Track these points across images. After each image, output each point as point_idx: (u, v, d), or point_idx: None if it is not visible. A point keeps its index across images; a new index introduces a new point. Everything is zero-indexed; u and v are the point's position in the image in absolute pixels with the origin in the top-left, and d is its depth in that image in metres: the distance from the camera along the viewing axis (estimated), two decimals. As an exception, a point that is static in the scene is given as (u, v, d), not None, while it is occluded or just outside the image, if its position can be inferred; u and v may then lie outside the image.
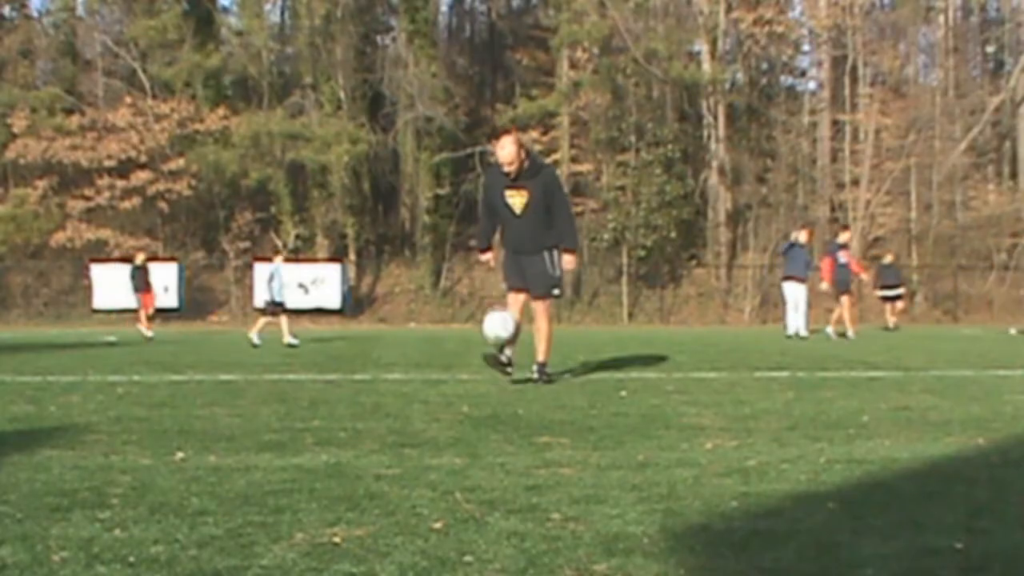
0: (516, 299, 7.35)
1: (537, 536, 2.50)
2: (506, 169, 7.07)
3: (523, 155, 7.07)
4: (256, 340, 13.88)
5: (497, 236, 7.55)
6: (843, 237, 18.03)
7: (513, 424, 4.72)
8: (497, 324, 7.05)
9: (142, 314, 18.57)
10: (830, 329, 16.17)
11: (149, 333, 17.74)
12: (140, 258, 20.07)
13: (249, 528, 2.59)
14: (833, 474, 3.40)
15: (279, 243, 31.63)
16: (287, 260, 30.57)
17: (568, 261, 7.28)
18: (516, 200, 7.12)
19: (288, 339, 14.01)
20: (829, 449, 3.95)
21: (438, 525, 2.62)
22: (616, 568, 2.23)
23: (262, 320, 14.83)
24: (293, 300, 29.39)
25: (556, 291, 7.35)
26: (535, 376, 7.08)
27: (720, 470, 3.46)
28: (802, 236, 16.75)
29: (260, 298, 15.00)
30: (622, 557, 2.32)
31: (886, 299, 22.14)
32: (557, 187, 7.43)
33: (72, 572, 2.21)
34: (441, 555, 2.33)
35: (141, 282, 19.01)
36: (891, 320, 21.58)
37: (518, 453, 3.85)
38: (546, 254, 7.20)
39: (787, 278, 16.24)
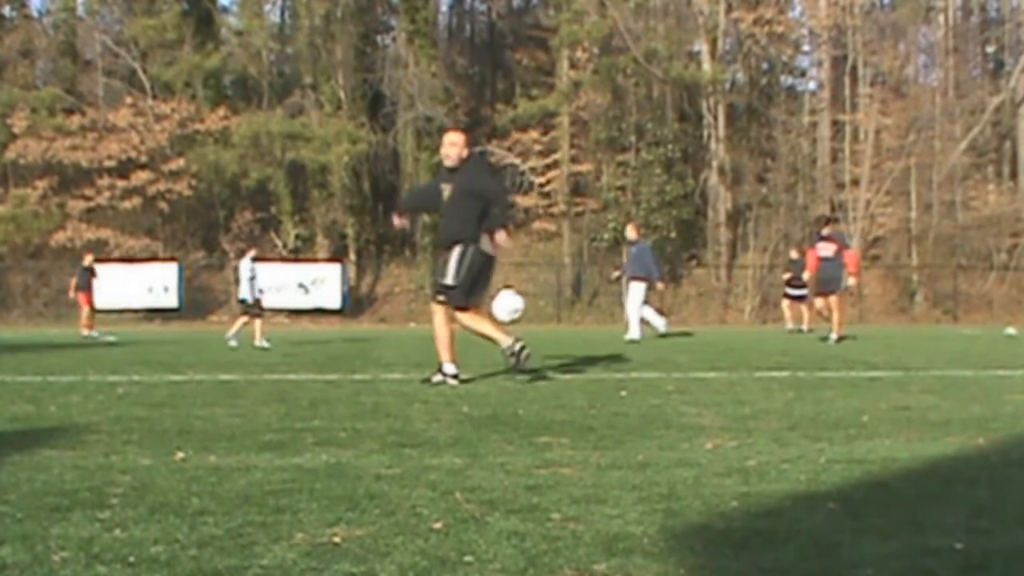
0: (441, 307, 7.36)
1: (537, 536, 2.50)
2: (445, 164, 7.36)
3: (463, 153, 7.24)
4: (233, 342, 13.38)
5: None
6: (827, 231, 16.26)
7: (513, 424, 4.72)
8: (506, 305, 7.38)
9: (84, 313, 18.99)
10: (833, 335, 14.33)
11: (94, 333, 17.97)
12: (88, 259, 20.32)
13: (249, 528, 2.59)
14: (833, 474, 3.40)
15: (279, 242, 31.68)
16: (285, 260, 30.84)
17: (501, 236, 7.11)
18: (446, 192, 7.26)
19: (260, 342, 13.30)
20: (829, 449, 3.95)
21: (438, 525, 2.62)
22: (616, 568, 2.23)
23: (241, 320, 14.17)
24: (293, 300, 29.65)
25: (441, 296, 7.20)
26: (432, 378, 7.03)
27: (720, 470, 3.45)
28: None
29: (243, 297, 14.20)
30: (622, 557, 2.32)
31: (792, 298, 19.76)
32: (478, 172, 7.55)
33: (72, 572, 2.21)
34: (441, 555, 2.33)
35: (83, 282, 19.40)
36: (804, 321, 19.31)
37: (518, 453, 3.85)
38: (457, 250, 7.08)
39: (635, 278, 15.22)
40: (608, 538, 2.49)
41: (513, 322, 7.67)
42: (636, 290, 15.16)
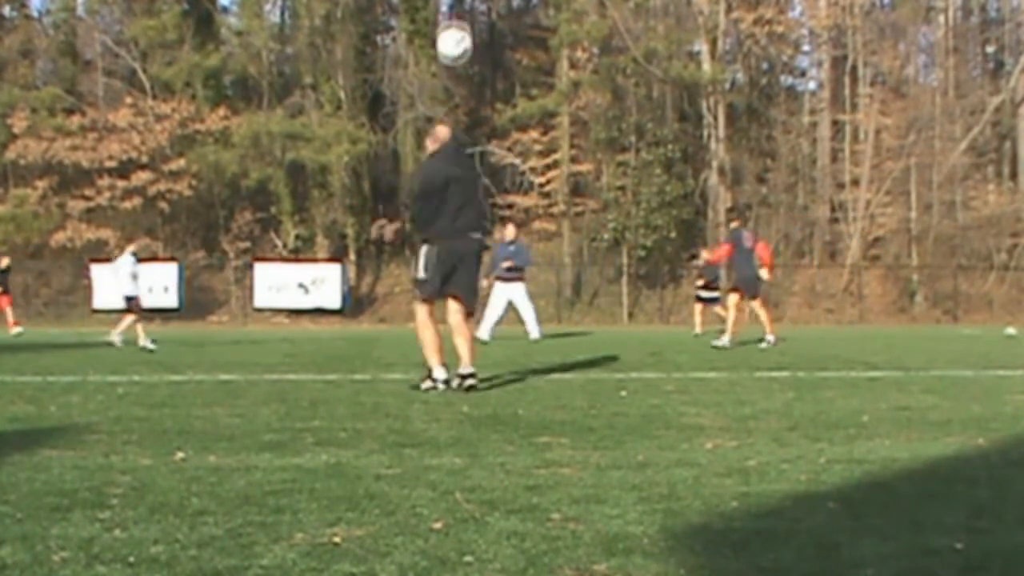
0: (426, 307, 6.89)
1: (537, 536, 2.50)
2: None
3: (432, 146, 6.92)
4: (118, 342, 12.93)
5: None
6: (735, 224, 15.21)
7: (513, 424, 4.72)
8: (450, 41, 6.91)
9: (9, 313, 19.33)
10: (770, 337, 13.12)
11: (18, 329, 18.73)
12: (5, 262, 20.56)
13: (249, 528, 2.59)
14: (833, 474, 3.40)
15: (279, 242, 31.66)
16: (285, 260, 30.83)
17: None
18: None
19: (144, 342, 12.74)
20: (829, 449, 3.95)
21: (438, 525, 2.62)
22: (616, 568, 2.23)
23: (127, 320, 13.62)
24: (293, 300, 29.64)
25: (418, 290, 6.87)
26: (419, 384, 6.57)
27: (720, 470, 3.46)
28: (508, 232, 14.96)
29: (130, 294, 13.75)
30: (622, 557, 2.32)
31: (704, 301, 18.82)
32: (417, 175, 7.41)
33: (72, 572, 2.21)
34: (441, 555, 2.33)
35: (2, 284, 19.75)
36: (699, 323, 18.58)
37: (518, 453, 3.85)
38: (421, 249, 6.80)
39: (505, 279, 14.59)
40: (608, 538, 2.49)
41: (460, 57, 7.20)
42: (519, 290, 14.75)
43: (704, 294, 18.85)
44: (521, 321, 15.03)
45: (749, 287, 13.34)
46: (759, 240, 13.96)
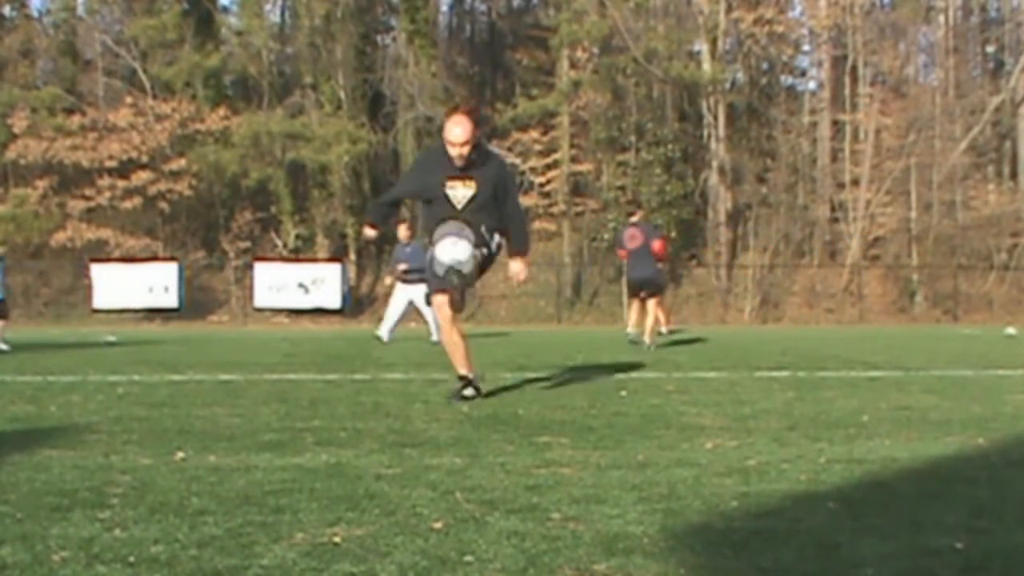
0: (445, 302, 6.02)
1: (537, 536, 2.50)
2: (454, 152, 5.83)
3: (475, 138, 5.89)
4: (4, 347, 12.49)
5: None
6: (636, 218, 14.05)
7: (513, 424, 4.72)
8: (449, 250, 5.76)
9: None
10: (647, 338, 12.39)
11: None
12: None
13: (249, 528, 2.59)
14: (833, 474, 3.40)
15: (279, 241, 31.65)
16: (285, 260, 30.82)
17: (519, 267, 6.15)
18: (460, 192, 5.89)
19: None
20: (829, 449, 3.95)
21: (438, 525, 2.62)
22: (616, 568, 2.23)
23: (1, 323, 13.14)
24: (293, 300, 29.63)
25: (456, 279, 5.82)
26: (453, 397, 5.89)
27: (720, 470, 3.46)
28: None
29: None
30: (622, 557, 2.32)
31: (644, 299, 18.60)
32: (511, 182, 6.27)
33: (72, 572, 2.21)
34: (441, 555, 2.33)
35: None
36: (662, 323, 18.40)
37: (518, 453, 3.85)
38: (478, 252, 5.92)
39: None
40: (608, 538, 2.49)
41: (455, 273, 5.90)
42: (420, 292, 14.55)
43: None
44: (425, 322, 14.69)
45: (645, 285, 12.62)
46: (652, 237, 12.73)
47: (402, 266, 14.29)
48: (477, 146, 5.93)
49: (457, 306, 6.05)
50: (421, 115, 31.44)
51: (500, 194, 5.98)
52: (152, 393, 6.41)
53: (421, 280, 14.25)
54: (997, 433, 4.45)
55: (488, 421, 4.84)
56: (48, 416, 5.16)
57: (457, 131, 5.80)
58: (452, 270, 5.74)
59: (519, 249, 6.17)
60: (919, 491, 3.11)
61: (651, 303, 12.45)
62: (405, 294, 14.31)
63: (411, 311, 14.64)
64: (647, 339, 12.21)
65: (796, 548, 2.40)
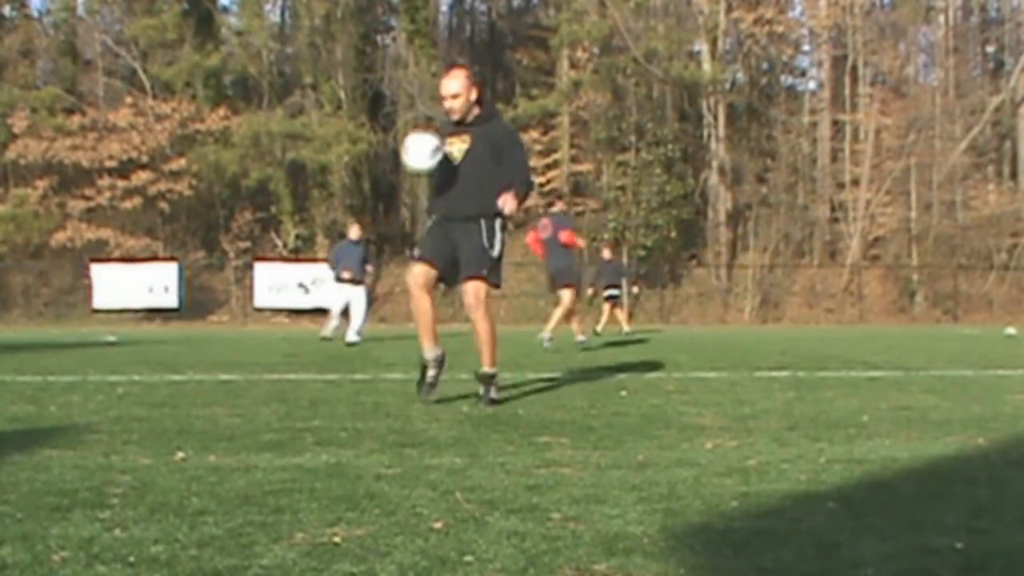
0: (422, 273, 5.75)
1: (537, 536, 2.50)
2: (447, 105, 5.67)
3: (474, 95, 5.68)
4: None
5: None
6: (556, 208, 13.87)
7: (513, 424, 4.72)
8: (418, 150, 5.58)
9: None
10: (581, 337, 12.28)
11: None
12: None
13: (249, 528, 2.59)
14: (833, 474, 3.40)
15: (279, 241, 31.64)
16: (285, 259, 30.83)
17: (508, 200, 5.51)
18: (456, 147, 5.65)
19: None
20: (829, 449, 3.95)
21: (438, 525, 2.62)
22: (616, 568, 2.23)
23: None
24: (293, 300, 29.62)
25: (490, 273, 5.65)
26: (481, 398, 5.61)
27: (720, 470, 3.45)
28: (352, 232, 14.71)
29: None
30: (622, 557, 2.32)
31: (611, 299, 18.40)
32: (516, 145, 5.81)
33: (72, 572, 2.21)
34: (441, 555, 2.33)
35: None
36: (625, 325, 18.40)
37: (518, 453, 3.85)
38: (484, 223, 5.60)
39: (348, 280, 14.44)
40: (608, 538, 2.49)
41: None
42: (359, 292, 14.61)
43: (608, 292, 18.57)
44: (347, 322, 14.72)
45: (558, 276, 12.35)
46: (561, 227, 12.29)
47: (347, 274, 14.49)
48: (480, 104, 5.72)
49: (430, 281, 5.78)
50: (421, 115, 31.45)
51: (498, 153, 5.64)
52: (152, 393, 6.41)
53: (362, 281, 14.48)
54: (997, 433, 4.45)
55: (488, 421, 4.84)
56: (48, 416, 5.16)
57: (450, 84, 5.65)
58: (433, 152, 5.56)
59: (515, 189, 5.58)
60: (919, 491, 3.11)
61: (564, 293, 12.07)
62: (344, 295, 14.59)
63: (346, 308, 14.73)
64: (580, 336, 12.09)
65: (796, 548, 2.40)
